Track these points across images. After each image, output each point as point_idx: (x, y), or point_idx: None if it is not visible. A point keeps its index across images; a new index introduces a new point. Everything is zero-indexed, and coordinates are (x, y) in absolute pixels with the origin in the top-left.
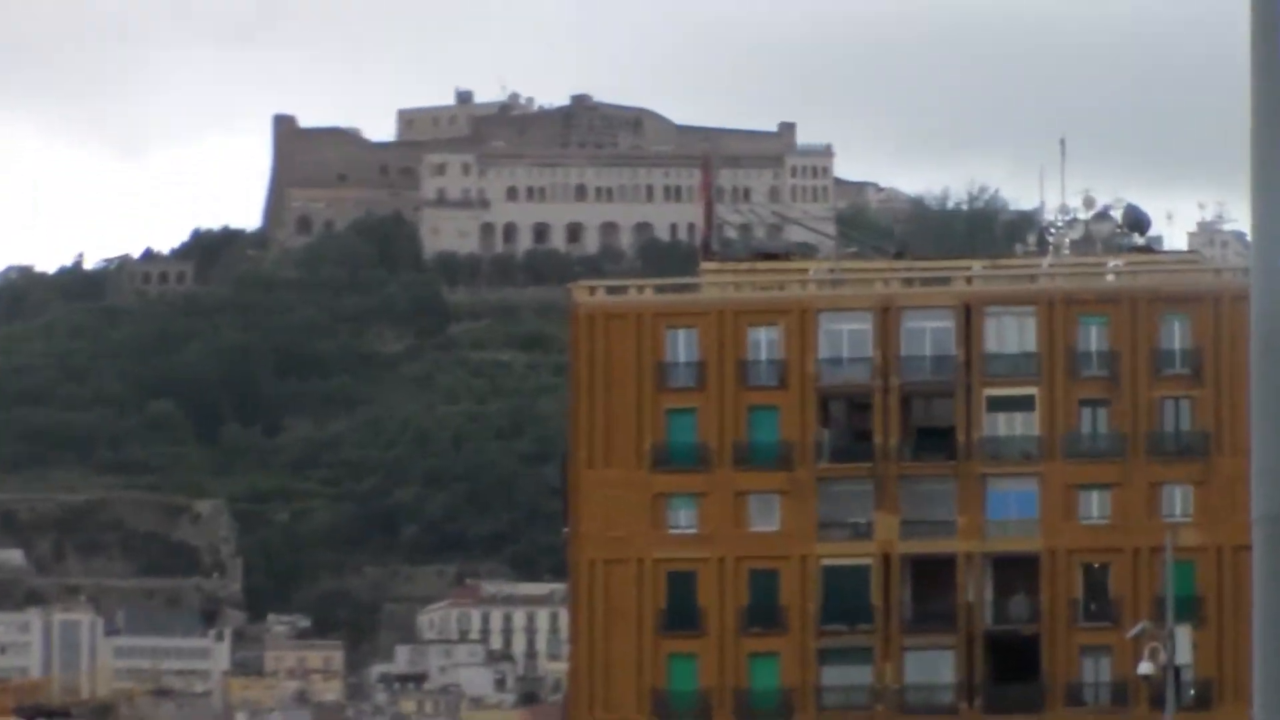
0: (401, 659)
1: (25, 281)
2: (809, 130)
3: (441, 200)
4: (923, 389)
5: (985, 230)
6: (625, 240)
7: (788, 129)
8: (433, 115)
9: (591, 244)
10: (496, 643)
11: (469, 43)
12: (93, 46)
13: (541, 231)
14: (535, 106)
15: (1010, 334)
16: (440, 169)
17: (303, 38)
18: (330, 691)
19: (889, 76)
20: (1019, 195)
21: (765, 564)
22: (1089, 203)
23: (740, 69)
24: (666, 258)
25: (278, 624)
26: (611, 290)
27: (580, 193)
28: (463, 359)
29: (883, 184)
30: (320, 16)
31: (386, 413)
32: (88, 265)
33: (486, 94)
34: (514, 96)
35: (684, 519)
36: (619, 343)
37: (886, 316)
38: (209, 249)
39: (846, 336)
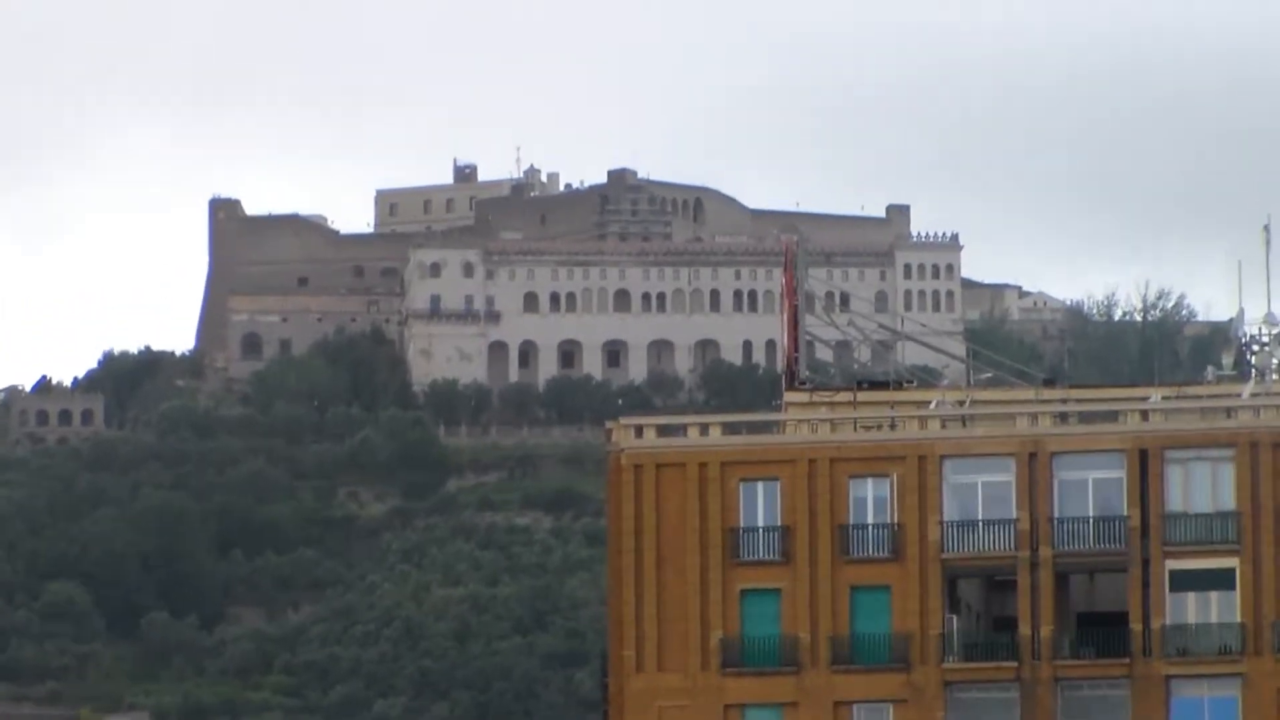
0: None
1: None
2: (927, 216)
3: (436, 312)
4: (1084, 562)
5: (1166, 348)
6: (682, 364)
7: (899, 214)
8: (423, 197)
9: (637, 369)
10: None
11: (472, 103)
12: None
13: (569, 353)
14: (560, 185)
15: (1201, 487)
16: (433, 269)
17: (249, 99)
18: None
19: (1032, 146)
20: (1210, 302)
21: None
22: None
23: (834, 135)
24: (738, 387)
25: None
26: (664, 430)
27: (621, 300)
28: (465, 526)
29: (1027, 287)
30: (272, 71)
31: (364, 598)
32: None
33: (495, 169)
34: (531, 172)
35: None
36: (675, 502)
37: (1034, 464)
38: (125, 378)
39: (981, 491)
